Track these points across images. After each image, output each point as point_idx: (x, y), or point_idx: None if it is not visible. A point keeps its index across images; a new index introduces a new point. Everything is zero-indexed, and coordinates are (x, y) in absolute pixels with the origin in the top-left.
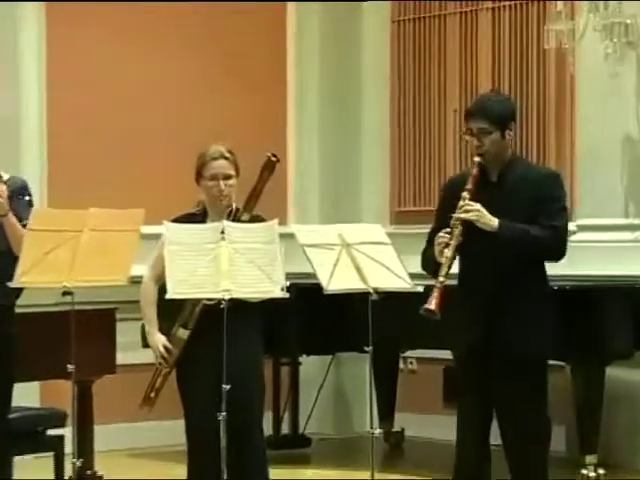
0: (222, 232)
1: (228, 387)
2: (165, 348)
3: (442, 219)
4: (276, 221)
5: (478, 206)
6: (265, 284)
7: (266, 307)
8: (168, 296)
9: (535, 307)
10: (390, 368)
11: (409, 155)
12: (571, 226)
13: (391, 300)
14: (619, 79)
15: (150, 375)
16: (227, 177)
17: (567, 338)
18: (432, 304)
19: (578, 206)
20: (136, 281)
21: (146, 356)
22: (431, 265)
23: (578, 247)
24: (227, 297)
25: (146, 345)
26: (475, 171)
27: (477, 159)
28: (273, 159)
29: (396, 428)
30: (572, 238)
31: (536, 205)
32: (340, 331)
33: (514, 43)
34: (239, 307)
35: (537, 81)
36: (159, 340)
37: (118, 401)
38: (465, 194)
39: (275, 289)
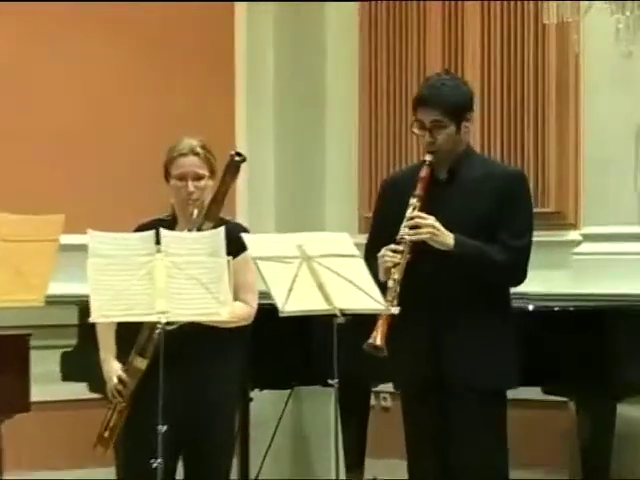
0: (158, 242)
1: (164, 428)
2: (120, 380)
3: (382, 227)
4: (222, 229)
5: (431, 220)
6: (210, 305)
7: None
8: (92, 319)
9: (491, 333)
10: (360, 405)
11: (381, 153)
12: (575, 235)
13: (361, 323)
14: (633, 61)
15: (76, 413)
16: (198, 177)
17: (571, 369)
18: (377, 339)
19: (583, 212)
20: (54, 301)
21: (67, 391)
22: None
23: (583, 261)
24: (163, 320)
25: (67, 377)
26: (425, 173)
27: (428, 158)
28: (237, 159)
29: (367, 476)
30: (576, 250)
31: (496, 212)
32: (299, 361)
33: (507, 17)
34: (204, 331)
35: (534, 64)
36: (114, 370)
37: (34, 445)
38: (414, 202)
39: (222, 311)
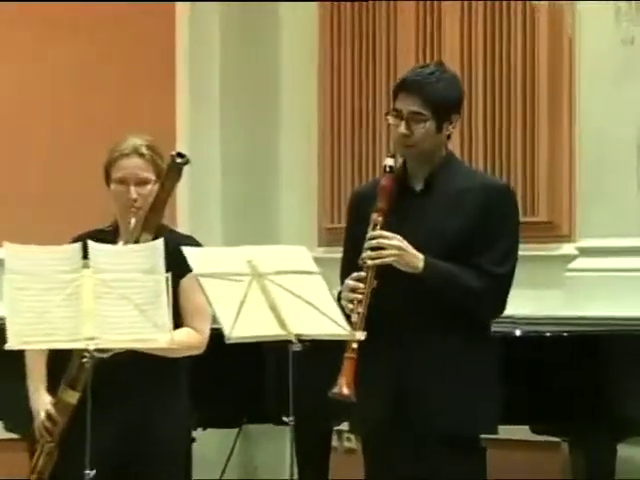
0: (85, 256)
1: (93, 473)
2: (48, 416)
3: (354, 246)
4: (161, 240)
5: (396, 240)
6: (145, 330)
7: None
8: (8, 346)
9: (468, 365)
10: (319, 446)
11: (345, 156)
12: (569, 249)
13: (320, 351)
14: (635, 48)
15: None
16: (141, 182)
17: (564, 404)
18: (343, 387)
19: (578, 222)
20: None
21: None
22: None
23: (578, 278)
24: (91, 347)
25: None
26: (386, 181)
27: (389, 162)
28: (179, 160)
29: None
30: (570, 265)
31: (477, 231)
32: (249, 394)
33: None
34: (144, 360)
35: (522, 53)
36: (42, 405)
37: None
38: (375, 217)
39: (159, 337)
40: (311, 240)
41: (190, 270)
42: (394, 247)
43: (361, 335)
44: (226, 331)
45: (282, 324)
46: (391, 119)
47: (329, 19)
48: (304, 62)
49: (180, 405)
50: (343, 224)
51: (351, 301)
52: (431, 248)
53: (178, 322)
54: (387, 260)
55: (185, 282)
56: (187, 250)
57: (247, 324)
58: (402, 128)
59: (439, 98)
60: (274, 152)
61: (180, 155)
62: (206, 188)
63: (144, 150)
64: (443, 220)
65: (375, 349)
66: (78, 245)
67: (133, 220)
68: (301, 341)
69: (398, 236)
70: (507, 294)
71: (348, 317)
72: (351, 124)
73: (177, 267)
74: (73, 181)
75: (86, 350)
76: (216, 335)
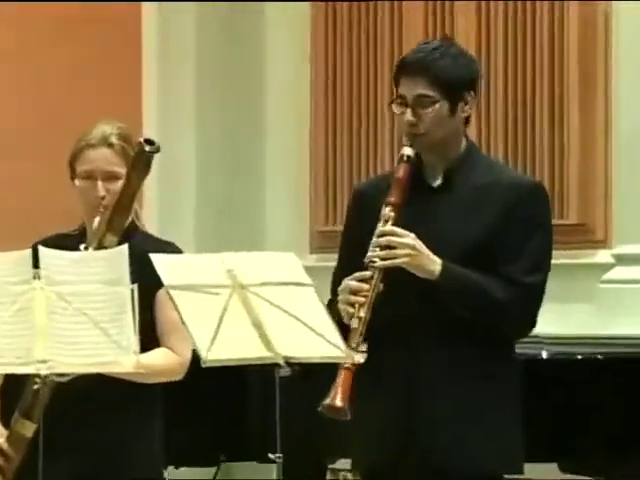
0: (37, 265)
1: None
2: (0, 451)
3: (353, 250)
4: (125, 246)
5: (410, 238)
6: (107, 351)
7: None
8: None
9: (489, 395)
10: None
11: (342, 149)
12: (604, 256)
13: (312, 377)
14: None
15: None
16: (111, 176)
17: (598, 438)
18: (337, 398)
19: (616, 227)
20: None
21: None
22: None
23: (614, 290)
24: (44, 371)
25: None
26: (402, 173)
27: (407, 152)
28: (148, 149)
29: None
30: (606, 276)
31: (502, 235)
32: (230, 428)
33: None
34: (110, 386)
35: (550, 38)
36: None
37: None
38: (387, 212)
39: (124, 359)
40: (301, 246)
41: None
42: (407, 246)
43: (360, 357)
44: (202, 353)
45: (268, 344)
46: (395, 108)
47: (323, 20)
48: (291, 54)
49: (150, 445)
50: (339, 226)
51: (352, 304)
52: (448, 252)
53: (153, 341)
54: (398, 261)
55: (162, 295)
56: (156, 258)
57: (227, 344)
58: (408, 115)
59: (447, 75)
60: (259, 145)
61: (149, 142)
62: (177, 183)
63: (114, 140)
64: (463, 221)
65: (379, 366)
66: (28, 252)
67: (97, 219)
68: (290, 364)
69: (412, 234)
70: (538, 308)
71: (343, 326)
72: (348, 115)
73: (153, 277)
74: (34, 176)
75: (38, 375)
76: (192, 357)
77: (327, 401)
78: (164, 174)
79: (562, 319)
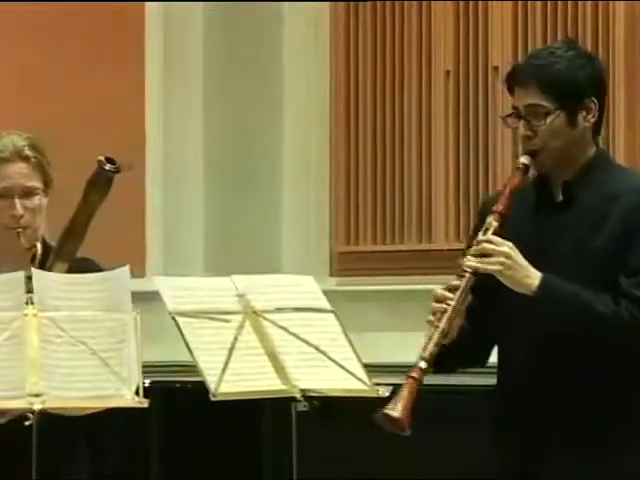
0: (29, 290)
1: None
2: None
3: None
4: (127, 268)
5: (506, 247)
6: (108, 383)
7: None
8: None
9: (623, 441)
10: None
11: (366, 163)
12: None
13: (333, 413)
14: None
15: None
16: (27, 192)
17: None
18: (396, 408)
19: None
20: None
21: None
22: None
23: None
24: (37, 406)
25: None
26: (515, 180)
27: (523, 160)
28: (108, 168)
29: None
30: None
31: (624, 246)
32: (239, 465)
33: None
34: (70, 423)
35: (592, 35)
36: None
37: None
38: (490, 220)
39: (126, 392)
40: (320, 268)
41: None
42: (501, 254)
43: (385, 391)
44: (211, 386)
45: (283, 377)
46: (511, 121)
47: (344, 21)
48: (308, 61)
49: None
50: (361, 247)
51: (434, 313)
52: (571, 274)
53: None
54: (489, 268)
55: None
56: (160, 281)
57: (238, 377)
58: (521, 129)
59: (560, 81)
60: (274, 156)
61: (109, 161)
62: (183, 199)
63: (28, 152)
64: (585, 238)
65: (509, 399)
66: (21, 274)
67: (39, 245)
68: (308, 399)
69: (509, 243)
70: None
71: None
72: (372, 127)
73: None
74: None
75: (31, 410)
76: (198, 390)
77: (386, 410)
78: (170, 187)
79: None
